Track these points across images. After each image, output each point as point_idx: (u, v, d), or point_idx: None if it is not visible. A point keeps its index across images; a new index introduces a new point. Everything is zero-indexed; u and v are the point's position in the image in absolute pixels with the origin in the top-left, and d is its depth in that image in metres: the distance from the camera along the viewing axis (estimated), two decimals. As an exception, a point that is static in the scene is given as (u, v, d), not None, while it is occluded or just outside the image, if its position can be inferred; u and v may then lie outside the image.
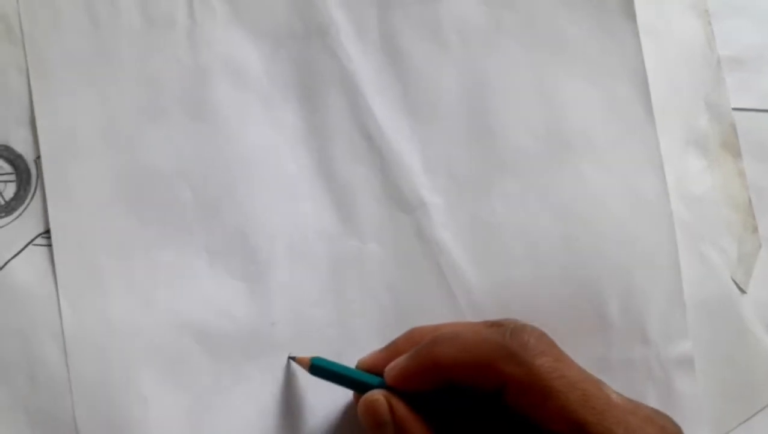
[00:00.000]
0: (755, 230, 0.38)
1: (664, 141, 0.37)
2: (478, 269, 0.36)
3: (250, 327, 0.35)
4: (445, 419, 0.30)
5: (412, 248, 0.36)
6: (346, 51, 0.37)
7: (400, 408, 0.30)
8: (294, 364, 0.35)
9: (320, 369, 0.33)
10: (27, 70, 0.36)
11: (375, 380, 0.32)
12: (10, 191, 0.36)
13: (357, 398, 0.33)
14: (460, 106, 0.37)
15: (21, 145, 0.36)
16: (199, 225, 0.36)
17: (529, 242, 0.36)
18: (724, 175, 0.38)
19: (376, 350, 0.34)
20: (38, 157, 0.36)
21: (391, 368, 0.31)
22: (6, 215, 0.36)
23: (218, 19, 0.37)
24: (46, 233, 0.35)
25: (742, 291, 0.38)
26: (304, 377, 0.35)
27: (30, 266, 0.35)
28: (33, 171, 0.36)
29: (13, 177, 0.36)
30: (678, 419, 0.30)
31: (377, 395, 0.31)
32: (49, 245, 0.35)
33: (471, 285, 0.36)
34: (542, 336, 0.29)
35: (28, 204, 0.36)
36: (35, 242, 0.35)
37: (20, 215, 0.36)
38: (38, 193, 0.36)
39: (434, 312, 0.36)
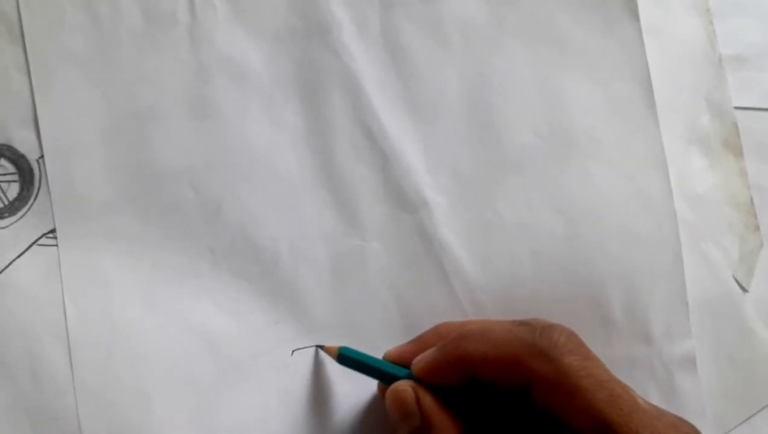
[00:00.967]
0: (757, 229, 0.38)
1: (666, 140, 0.37)
2: (481, 268, 0.36)
3: (254, 325, 0.35)
4: (469, 414, 0.31)
5: (414, 247, 0.36)
6: (347, 49, 0.37)
7: (427, 399, 0.30)
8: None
9: (347, 358, 0.33)
10: (28, 69, 0.36)
11: (402, 371, 0.32)
12: (13, 191, 0.36)
13: (381, 390, 0.33)
14: (463, 105, 0.37)
15: (23, 145, 0.36)
16: (203, 225, 0.36)
17: (532, 241, 0.36)
18: (725, 174, 0.39)
19: (402, 343, 0.34)
20: (41, 157, 0.36)
21: (419, 360, 0.31)
22: (10, 215, 0.36)
23: (219, 17, 0.37)
24: (50, 232, 0.35)
25: (744, 290, 0.38)
26: (305, 377, 0.35)
27: (34, 266, 0.35)
28: (36, 171, 0.36)
29: (16, 177, 0.36)
30: (680, 417, 0.30)
31: (405, 385, 0.31)
32: (53, 245, 0.35)
33: (474, 284, 0.36)
34: (572, 334, 0.29)
35: (32, 204, 0.36)
36: (39, 242, 0.35)
37: (24, 215, 0.36)
38: (41, 193, 0.36)
39: (437, 311, 0.36)
